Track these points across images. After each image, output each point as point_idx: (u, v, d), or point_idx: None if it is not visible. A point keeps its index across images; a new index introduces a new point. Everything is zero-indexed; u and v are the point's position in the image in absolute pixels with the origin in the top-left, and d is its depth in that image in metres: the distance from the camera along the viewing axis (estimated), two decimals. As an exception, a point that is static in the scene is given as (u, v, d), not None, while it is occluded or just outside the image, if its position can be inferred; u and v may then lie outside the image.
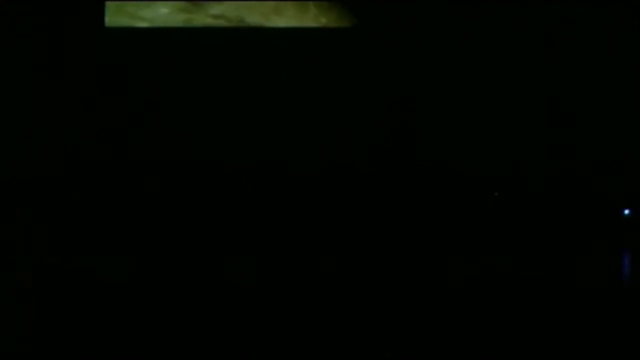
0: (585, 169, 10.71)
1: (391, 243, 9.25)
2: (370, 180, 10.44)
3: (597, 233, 9.91)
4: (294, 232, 9.51)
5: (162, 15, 11.56)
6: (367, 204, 10.07)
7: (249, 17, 11.60)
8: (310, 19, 11.61)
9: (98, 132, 11.08)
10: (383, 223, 9.77)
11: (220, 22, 11.57)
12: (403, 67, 11.22)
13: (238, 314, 6.68)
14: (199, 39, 11.40)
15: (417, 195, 10.28)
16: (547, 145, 10.87)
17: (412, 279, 7.96)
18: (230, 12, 11.61)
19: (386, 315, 6.59)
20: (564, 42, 11.16)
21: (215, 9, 11.59)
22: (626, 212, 10.13)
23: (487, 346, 5.81)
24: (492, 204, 10.95)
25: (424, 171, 10.49)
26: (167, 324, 6.51)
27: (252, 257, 8.98)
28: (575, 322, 6.22)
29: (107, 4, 11.49)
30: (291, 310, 6.79)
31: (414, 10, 11.34)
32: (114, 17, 11.51)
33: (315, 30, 11.50)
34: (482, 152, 10.88)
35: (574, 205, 10.41)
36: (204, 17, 11.59)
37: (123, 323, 6.51)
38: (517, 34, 11.22)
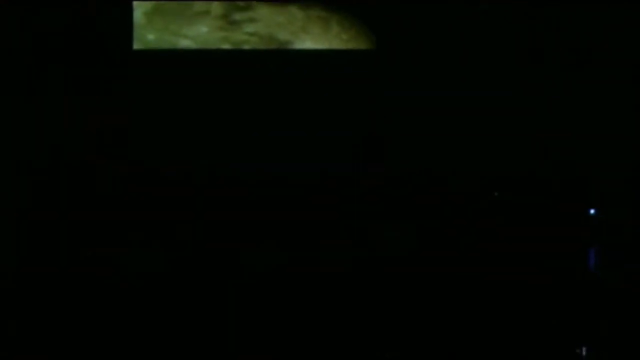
0: (554, 171, 11.79)
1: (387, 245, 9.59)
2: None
3: (565, 231, 10.64)
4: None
5: (203, 33, 12.97)
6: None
7: (279, 35, 12.99)
8: (333, 35, 12.99)
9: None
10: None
11: (254, 39, 12.97)
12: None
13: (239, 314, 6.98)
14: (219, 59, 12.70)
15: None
16: (520, 148, 11.99)
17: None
18: (263, 30, 13.01)
19: (385, 316, 7.01)
20: (535, 49, 12.32)
21: (249, 27, 12.99)
22: (591, 211, 11.08)
23: (467, 341, 6.17)
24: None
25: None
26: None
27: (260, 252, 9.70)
28: (544, 313, 6.49)
29: (154, 22, 12.89)
30: (291, 309, 7.19)
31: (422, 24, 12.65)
32: (160, 35, 12.91)
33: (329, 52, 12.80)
34: (465, 155, 12.01)
35: (543, 205, 11.28)
36: (239, 35, 12.99)
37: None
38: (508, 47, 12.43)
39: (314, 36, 13.01)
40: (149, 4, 12.87)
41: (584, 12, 12.01)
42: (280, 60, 12.62)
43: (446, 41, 12.45)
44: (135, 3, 12.83)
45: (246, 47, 12.95)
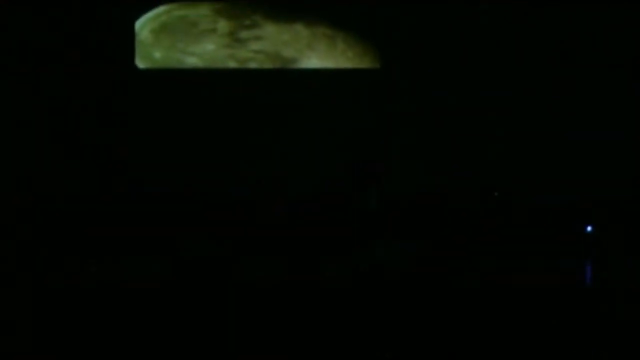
0: (554, 189, 11.96)
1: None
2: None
3: (564, 246, 11.05)
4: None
5: (209, 51, 13.09)
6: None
7: (285, 52, 13.11)
8: (339, 53, 13.08)
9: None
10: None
11: (260, 57, 13.09)
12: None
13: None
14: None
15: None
16: (519, 167, 12.17)
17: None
18: (269, 47, 13.12)
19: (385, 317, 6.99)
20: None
21: (255, 45, 13.11)
22: (588, 228, 11.47)
23: (467, 348, 6.31)
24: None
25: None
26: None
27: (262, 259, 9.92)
28: (542, 325, 6.62)
29: (161, 40, 13.03)
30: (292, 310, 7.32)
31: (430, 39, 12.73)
32: (167, 52, 13.04)
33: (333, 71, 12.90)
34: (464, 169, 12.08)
35: (544, 221, 11.62)
36: (245, 52, 13.11)
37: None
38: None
39: (319, 53, 13.11)
40: (155, 22, 13.02)
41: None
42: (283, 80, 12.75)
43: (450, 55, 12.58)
44: (141, 21, 12.96)
45: (252, 64, 13.08)
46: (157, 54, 13.02)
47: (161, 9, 12.93)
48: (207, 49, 13.09)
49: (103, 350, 6.37)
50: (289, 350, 6.47)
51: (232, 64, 13.06)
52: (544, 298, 7.82)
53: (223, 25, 13.05)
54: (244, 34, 13.11)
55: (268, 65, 13.06)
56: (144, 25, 12.95)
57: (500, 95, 12.45)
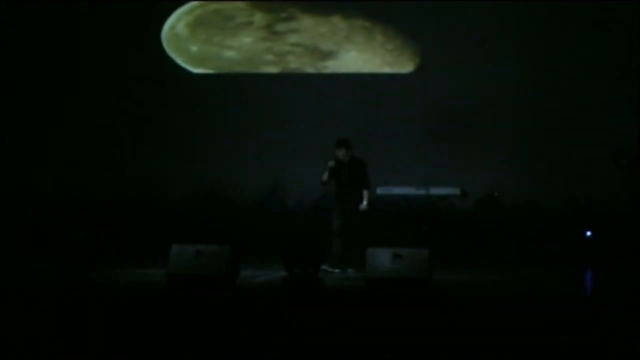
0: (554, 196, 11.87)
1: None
2: None
3: (564, 251, 11.05)
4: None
5: (246, 44, 12.95)
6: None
7: (323, 45, 12.89)
8: (378, 45, 12.82)
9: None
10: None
11: (298, 50, 12.91)
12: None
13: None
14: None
15: None
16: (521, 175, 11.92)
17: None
18: (306, 40, 12.90)
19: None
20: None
21: (293, 37, 12.92)
22: (588, 234, 11.42)
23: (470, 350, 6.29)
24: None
25: None
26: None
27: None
28: (545, 328, 6.56)
29: (197, 34, 12.95)
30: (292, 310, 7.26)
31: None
32: (203, 46, 12.95)
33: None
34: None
35: (545, 227, 11.59)
36: (282, 45, 12.92)
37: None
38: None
39: (358, 46, 12.87)
40: (191, 16, 12.93)
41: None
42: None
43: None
44: (176, 14, 12.88)
45: (290, 57, 12.90)
46: (194, 48, 12.93)
47: (195, 2, 12.82)
48: (244, 42, 12.95)
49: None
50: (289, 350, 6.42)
51: (269, 57, 12.91)
52: (546, 301, 7.74)
53: (259, 18, 12.86)
54: (280, 26, 12.92)
55: (306, 58, 12.88)
56: (178, 18, 12.83)
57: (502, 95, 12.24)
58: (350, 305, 7.72)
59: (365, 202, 9.69)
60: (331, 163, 9.67)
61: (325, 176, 9.77)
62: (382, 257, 8.24)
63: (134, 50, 12.63)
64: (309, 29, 12.86)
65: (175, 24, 12.90)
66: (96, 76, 12.69)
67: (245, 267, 8.99)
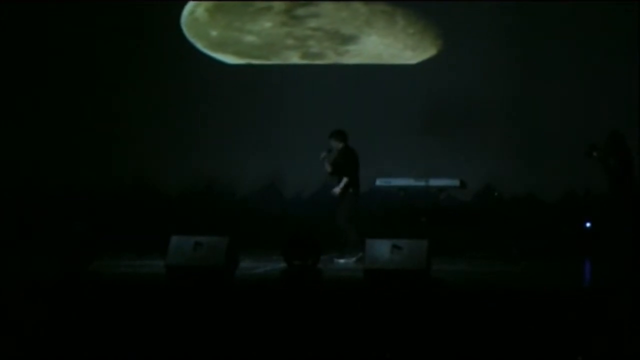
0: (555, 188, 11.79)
1: None
2: None
3: (565, 242, 10.95)
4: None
5: (266, 29, 12.87)
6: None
7: (344, 29, 12.76)
8: (399, 29, 12.67)
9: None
10: None
11: (318, 34, 12.80)
12: None
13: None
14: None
15: None
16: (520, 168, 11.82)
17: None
18: (327, 25, 12.77)
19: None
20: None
21: (313, 22, 12.81)
22: (588, 225, 11.33)
23: (473, 343, 6.25)
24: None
25: None
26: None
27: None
28: (545, 317, 6.51)
29: (217, 19, 12.90)
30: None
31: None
32: (223, 31, 12.91)
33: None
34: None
35: (546, 219, 11.49)
36: (303, 30, 12.83)
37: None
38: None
39: (378, 30, 12.73)
40: (209, 1, 12.87)
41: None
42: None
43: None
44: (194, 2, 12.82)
45: (311, 42, 12.79)
46: (214, 32, 12.87)
47: (214, -13, 12.76)
48: (264, 26, 12.86)
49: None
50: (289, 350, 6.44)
51: (290, 42, 12.83)
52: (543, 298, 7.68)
53: (279, 2, 12.75)
54: (300, 11, 12.80)
55: (327, 43, 12.77)
56: (198, 3, 12.82)
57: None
58: (349, 296, 7.72)
59: (337, 188, 9.98)
60: (323, 154, 10.07)
61: (326, 167, 10.15)
62: (381, 249, 8.21)
63: (133, 45, 12.60)
64: (330, 13, 12.73)
65: (194, 9, 12.86)
66: (93, 69, 12.61)
67: (244, 258, 8.99)
